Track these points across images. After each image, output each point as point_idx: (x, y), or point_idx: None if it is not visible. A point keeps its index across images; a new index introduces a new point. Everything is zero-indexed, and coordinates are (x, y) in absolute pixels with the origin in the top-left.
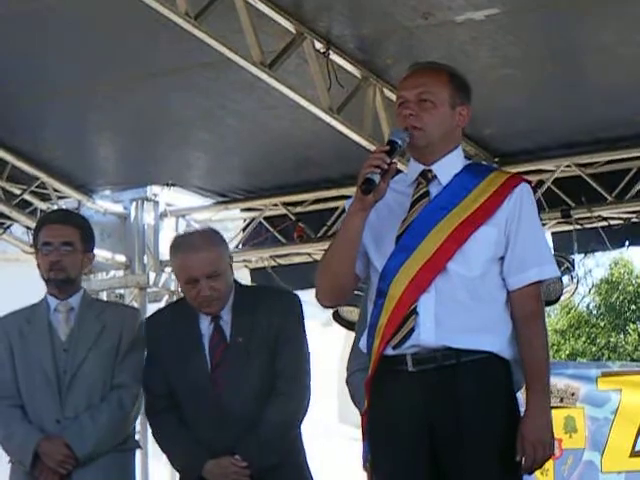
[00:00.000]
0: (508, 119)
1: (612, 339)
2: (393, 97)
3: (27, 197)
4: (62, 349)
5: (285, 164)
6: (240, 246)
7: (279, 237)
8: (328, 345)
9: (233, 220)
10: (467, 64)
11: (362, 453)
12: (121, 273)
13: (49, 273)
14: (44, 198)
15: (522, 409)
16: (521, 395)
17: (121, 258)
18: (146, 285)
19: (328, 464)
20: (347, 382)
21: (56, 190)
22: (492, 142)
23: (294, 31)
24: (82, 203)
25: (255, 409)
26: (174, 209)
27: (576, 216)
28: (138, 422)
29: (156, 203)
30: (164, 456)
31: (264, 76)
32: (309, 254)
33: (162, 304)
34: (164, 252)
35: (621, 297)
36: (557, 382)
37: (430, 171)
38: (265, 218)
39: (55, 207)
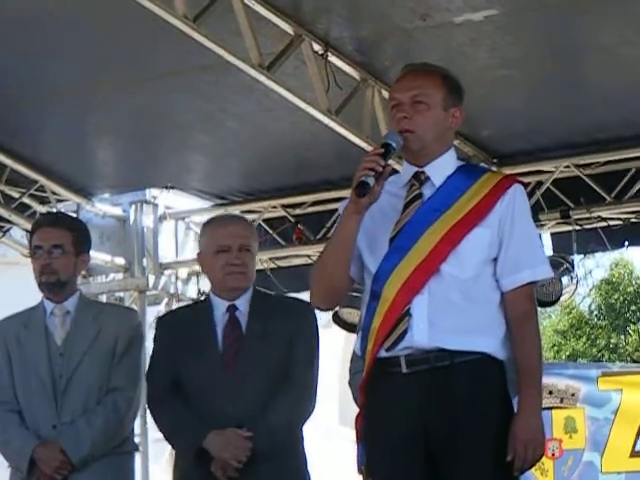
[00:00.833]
0: (507, 120)
1: (612, 340)
2: None
3: (26, 200)
4: (58, 353)
5: (284, 166)
6: None
7: (278, 239)
8: (328, 347)
9: None
10: (466, 65)
11: (357, 455)
12: (120, 276)
13: (41, 277)
14: (43, 201)
15: None
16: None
17: (120, 261)
18: (145, 288)
19: (328, 466)
20: (349, 384)
21: (55, 193)
22: (491, 143)
23: (292, 33)
24: (81, 206)
25: (266, 397)
26: (173, 212)
27: (575, 217)
28: (137, 425)
29: (155, 206)
30: (164, 459)
31: (262, 78)
32: (308, 256)
33: (161, 307)
34: (163, 255)
35: (621, 298)
36: (557, 382)
37: (423, 173)
38: (264, 220)
39: (54, 210)
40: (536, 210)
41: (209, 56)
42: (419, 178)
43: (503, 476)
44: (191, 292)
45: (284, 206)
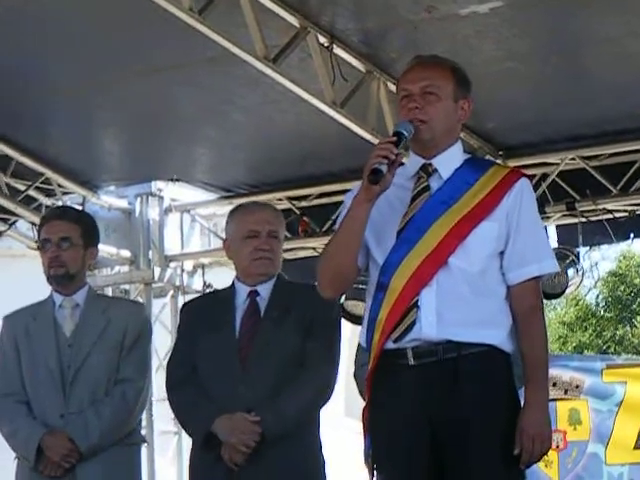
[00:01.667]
0: (512, 112)
1: (618, 332)
2: None
3: (32, 193)
4: (67, 345)
5: (289, 158)
6: None
7: None
8: None
9: None
10: (471, 57)
11: (364, 447)
12: (126, 268)
13: (49, 270)
14: (49, 194)
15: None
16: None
17: (126, 253)
18: (151, 280)
19: (334, 457)
20: (354, 376)
21: (61, 186)
22: (496, 135)
23: (298, 25)
24: (87, 199)
25: (279, 380)
26: (179, 204)
27: (581, 209)
28: (143, 417)
29: (161, 198)
30: (170, 451)
31: (268, 71)
32: (314, 248)
33: (167, 299)
34: (169, 247)
35: (627, 290)
36: (562, 374)
37: (430, 165)
38: None
39: (60, 203)
40: (542, 202)
41: (215, 48)
42: (427, 170)
43: (510, 468)
44: (197, 284)
45: (289, 198)
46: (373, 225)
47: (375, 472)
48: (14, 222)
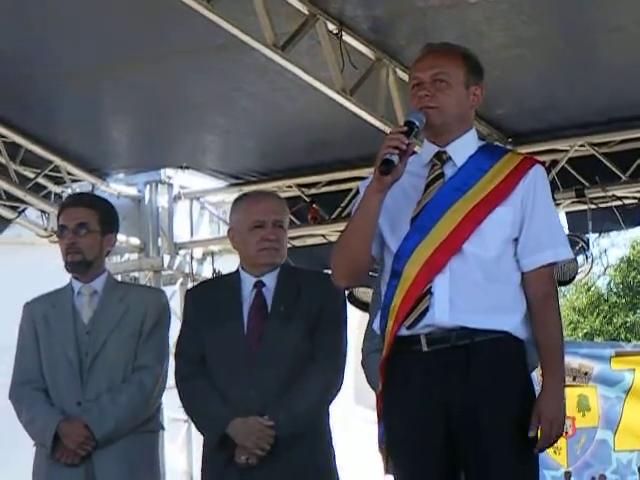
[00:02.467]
0: (522, 99)
1: (629, 318)
2: (406, 78)
3: (41, 181)
4: (85, 332)
5: (298, 146)
6: None
7: (293, 219)
8: None
9: None
10: (480, 44)
11: (378, 434)
12: (135, 256)
13: (66, 257)
14: (58, 182)
15: (537, 388)
16: (536, 375)
17: (135, 241)
18: (160, 268)
19: (344, 446)
20: (362, 364)
21: (70, 173)
22: (505, 122)
23: (307, 12)
24: (96, 186)
25: (288, 377)
26: (188, 191)
27: (590, 195)
28: None
29: (170, 186)
30: (180, 439)
31: (277, 58)
32: (323, 235)
33: (176, 287)
34: (178, 235)
35: (639, 277)
36: (571, 361)
37: (445, 152)
38: None
39: (69, 190)
40: (551, 189)
41: (224, 36)
42: (441, 158)
43: (524, 453)
44: (206, 272)
45: (299, 186)
46: (387, 213)
47: (389, 458)
48: (23, 210)
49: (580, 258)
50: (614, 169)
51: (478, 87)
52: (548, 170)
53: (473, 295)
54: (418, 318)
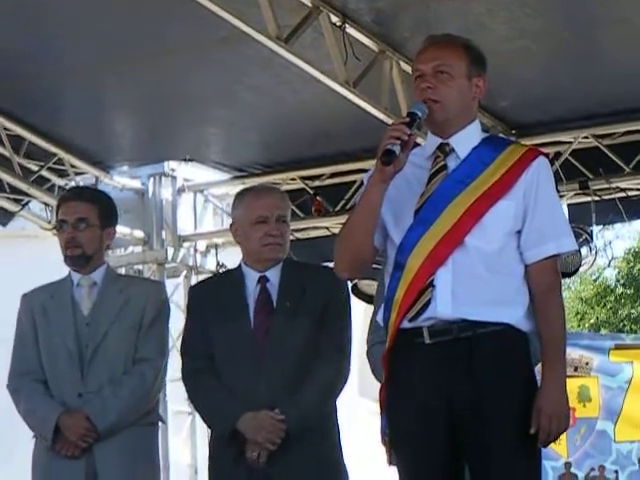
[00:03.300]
0: (525, 91)
1: (634, 310)
2: (410, 70)
3: (44, 173)
4: (84, 323)
5: (302, 138)
6: None
7: (297, 211)
8: None
9: None
10: (483, 36)
11: (380, 427)
12: (139, 249)
13: (66, 251)
14: (61, 174)
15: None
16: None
17: (139, 234)
18: (164, 261)
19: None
20: (367, 355)
21: (73, 166)
22: (509, 114)
23: (310, 5)
24: (99, 179)
25: (295, 372)
26: (192, 184)
27: (594, 187)
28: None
29: (174, 178)
30: (184, 432)
31: (280, 50)
32: (327, 228)
33: (180, 280)
34: (182, 227)
35: None
36: (571, 352)
37: (448, 144)
38: None
39: (72, 183)
40: (555, 181)
41: (227, 28)
42: (444, 150)
43: (527, 446)
44: (210, 264)
45: (302, 178)
46: (391, 205)
47: (392, 451)
48: (27, 203)
49: (584, 250)
50: (618, 161)
51: (481, 78)
52: (552, 162)
53: (475, 288)
54: (420, 311)
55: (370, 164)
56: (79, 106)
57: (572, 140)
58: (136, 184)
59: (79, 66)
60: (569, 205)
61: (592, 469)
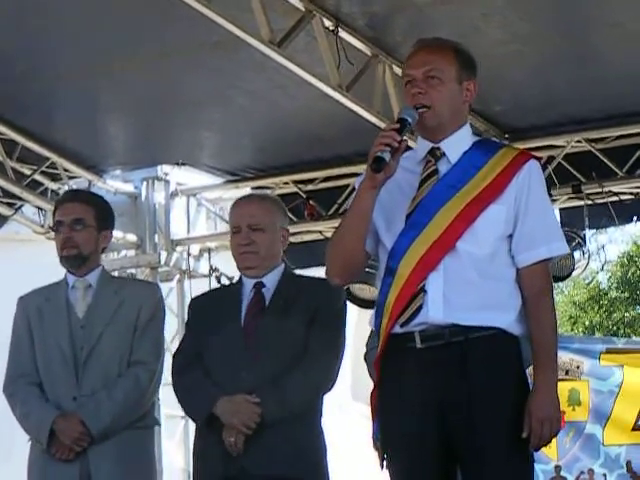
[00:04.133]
0: (519, 95)
1: (628, 314)
2: None
3: (37, 177)
4: (79, 326)
5: (295, 142)
6: None
7: (290, 215)
8: None
9: None
10: (477, 40)
11: (372, 432)
12: (132, 253)
13: (62, 251)
14: (54, 178)
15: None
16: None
17: (132, 238)
18: (157, 265)
19: (341, 441)
20: (365, 358)
21: (66, 170)
22: (502, 118)
23: (303, 9)
24: (92, 183)
25: (281, 367)
26: (185, 188)
27: (587, 191)
28: None
29: (167, 182)
30: (177, 435)
31: (274, 54)
32: (320, 232)
33: (173, 284)
34: (175, 231)
35: (638, 272)
36: (562, 355)
37: (439, 149)
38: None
39: (66, 187)
40: (548, 185)
41: (220, 33)
42: (435, 154)
43: (519, 451)
44: (203, 268)
45: (295, 182)
46: (383, 209)
47: (384, 456)
48: (20, 207)
49: (577, 254)
50: (611, 165)
51: (471, 82)
52: (545, 166)
53: (467, 293)
54: (412, 316)
55: (363, 168)
56: (72, 110)
57: (565, 144)
58: (129, 188)
59: (72, 70)
60: (562, 209)
61: (582, 472)
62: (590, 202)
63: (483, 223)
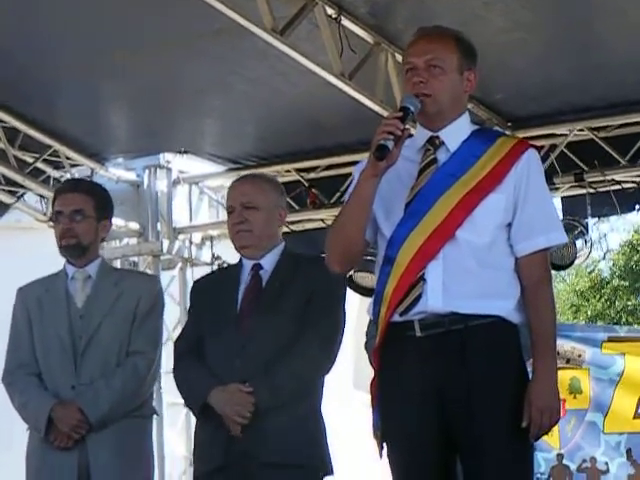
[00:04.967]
0: (521, 83)
1: (630, 302)
2: None
3: (40, 165)
4: (78, 315)
5: (298, 130)
6: None
7: (292, 203)
8: None
9: None
10: (479, 28)
11: (372, 421)
12: (134, 241)
13: (61, 241)
14: (57, 166)
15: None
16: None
17: (134, 226)
18: (160, 253)
19: (343, 430)
20: (365, 347)
21: (69, 158)
22: (505, 107)
23: None
24: (95, 171)
25: (275, 352)
26: (187, 176)
27: (589, 180)
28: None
29: (169, 170)
30: (179, 424)
31: (276, 42)
32: (322, 220)
33: (175, 272)
34: (177, 219)
35: None
36: (563, 344)
37: (437, 137)
38: None
39: (68, 175)
40: (550, 173)
41: (222, 21)
42: (434, 143)
43: (519, 440)
44: (205, 256)
45: (298, 170)
46: (382, 198)
47: (384, 445)
48: (22, 195)
49: (579, 242)
50: (613, 153)
51: (472, 72)
52: (547, 154)
53: (466, 282)
54: (411, 305)
55: (366, 156)
56: (74, 98)
57: (568, 132)
58: (131, 176)
59: (75, 58)
60: (564, 197)
61: (584, 460)
62: (592, 190)
63: (482, 212)
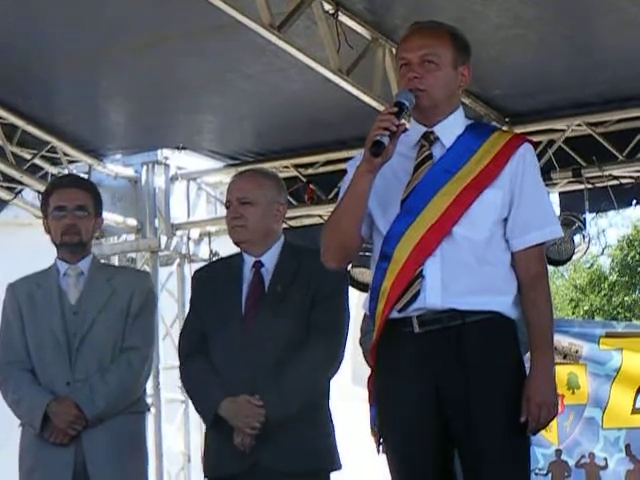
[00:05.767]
0: (519, 78)
1: (627, 298)
2: None
3: (37, 162)
4: (72, 312)
5: (295, 126)
6: None
7: (290, 199)
8: None
9: None
10: (477, 24)
11: (370, 417)
12: (132, 237)
13: (63, 237)
14: (55, 162)
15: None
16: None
17: (132, 222)
18: (157, 249)
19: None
20: (360, 343)
21: (67, 154)
22: (502, 102)
23: None
24: (93, 167)
25: (283, 357)
26: (185, 172)
27: (587, 175)
28: (150, 385)
29: (167, 166)
30: (177, 419)
31: (273, 38)
32: (320, 216)
33: (174, 268)
34: (175, 215)
35: (638, 256)
36: (561, 340)
37: (432, 133)
38: None
39: (66, 171)
40: (548, 169)
41: (220, 16)
42: (429, 138)
43: (516, 435)
44: (203, 253)
45: (296, 166)
46: (378, 195)
47: (381, 441)
48: (20, 191)
49: (577, 237)
50: (611, 149)
51: (466, 67)
52: (545, 150)
53: (464, 278)
54: (410, 301)
55: (360, 153)
56: (72, 94)
57: (565, 128)
58: (129, 172)
59: (73, 54)
60: (562, 193)
61: (582, 456)
62: (590, 186)
63: (479, 207)
